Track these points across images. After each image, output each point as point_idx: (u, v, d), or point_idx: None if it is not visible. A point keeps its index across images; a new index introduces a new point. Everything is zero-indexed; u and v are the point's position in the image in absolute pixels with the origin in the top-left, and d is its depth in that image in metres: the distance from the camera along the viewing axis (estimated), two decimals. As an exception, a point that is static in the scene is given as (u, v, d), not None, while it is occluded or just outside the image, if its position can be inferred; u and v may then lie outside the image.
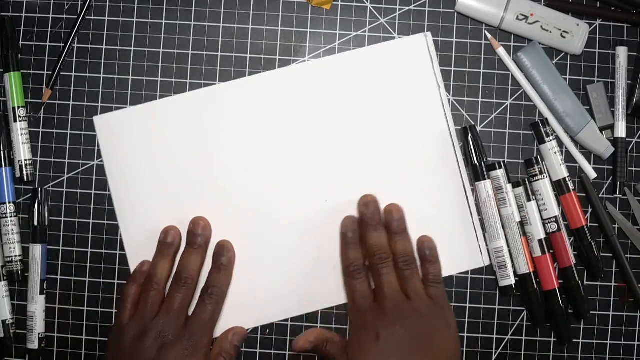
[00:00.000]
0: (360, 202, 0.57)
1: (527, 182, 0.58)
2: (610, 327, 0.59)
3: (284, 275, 0.58)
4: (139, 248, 0.59)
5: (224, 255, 0.57)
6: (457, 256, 0.59)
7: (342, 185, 0.59)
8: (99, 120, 0.60)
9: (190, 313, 0.56)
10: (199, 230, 0.57)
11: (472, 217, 0.59)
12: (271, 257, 0.59)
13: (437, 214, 0.59)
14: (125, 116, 0.59)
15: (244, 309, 0.58)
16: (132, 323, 0.54)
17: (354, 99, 0.59)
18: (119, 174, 0.59)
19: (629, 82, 0.60)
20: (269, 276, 0.58)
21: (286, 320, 0.59)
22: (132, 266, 0.59)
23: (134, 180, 0.59)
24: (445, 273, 0.58)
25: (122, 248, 0.59)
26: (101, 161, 0.60)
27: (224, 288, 0.56)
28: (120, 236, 0.59)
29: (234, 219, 0.59)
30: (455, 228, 0.59)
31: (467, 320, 0.59)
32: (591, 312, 0.59)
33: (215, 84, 0.60)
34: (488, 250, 0.59)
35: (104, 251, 0.60)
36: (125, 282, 0.59)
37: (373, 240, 0.55)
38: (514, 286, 0.57)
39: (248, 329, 0.59)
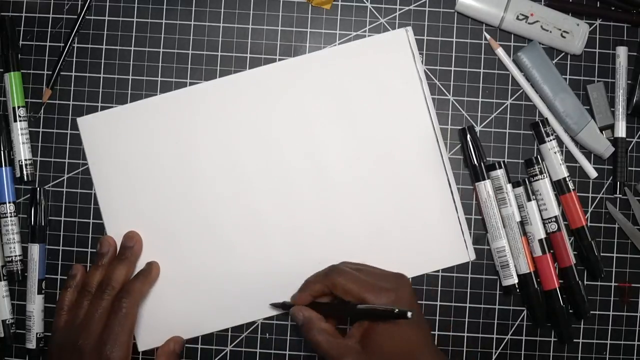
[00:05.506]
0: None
1: (527, 182, 0.58)
2: (610, 327, 0.59)
3: (271, 275, 0.58)
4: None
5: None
6: (442, 252, 0.59)
7: (325, 184, 0.59)
8: (82, 122, 0.60)
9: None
10: (128, 243, 0.57)
11: (457, 213, 0.59)
12: (255, 255, 0.59)
13: (421, 210, 0.59)
14: (109, 117, 0.59)
15: (233, 307, 0.59)
16: (63, 330, 0.54)
17: (337, 95, 0.59)
18: (104, 175, 0.59)
19: (629, 82, 0.60)
20: (255, 277, 0.59)
21: (286, 320, 0.59)
22: None
23: (118, 181, 0.59)
24: (431, 269, 0.58)
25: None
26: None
27: (135, 294, 0.55)
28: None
29: (217, 218, 0.59)
30: (440, 224, 0.58)
31: (467, 320, 0.59)
32: (591, 312, 0.59)
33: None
34: (490, 250, 0.59)
35: (104, 251, 0.60)
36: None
37: None
38: (516, 285, 0.57)
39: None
